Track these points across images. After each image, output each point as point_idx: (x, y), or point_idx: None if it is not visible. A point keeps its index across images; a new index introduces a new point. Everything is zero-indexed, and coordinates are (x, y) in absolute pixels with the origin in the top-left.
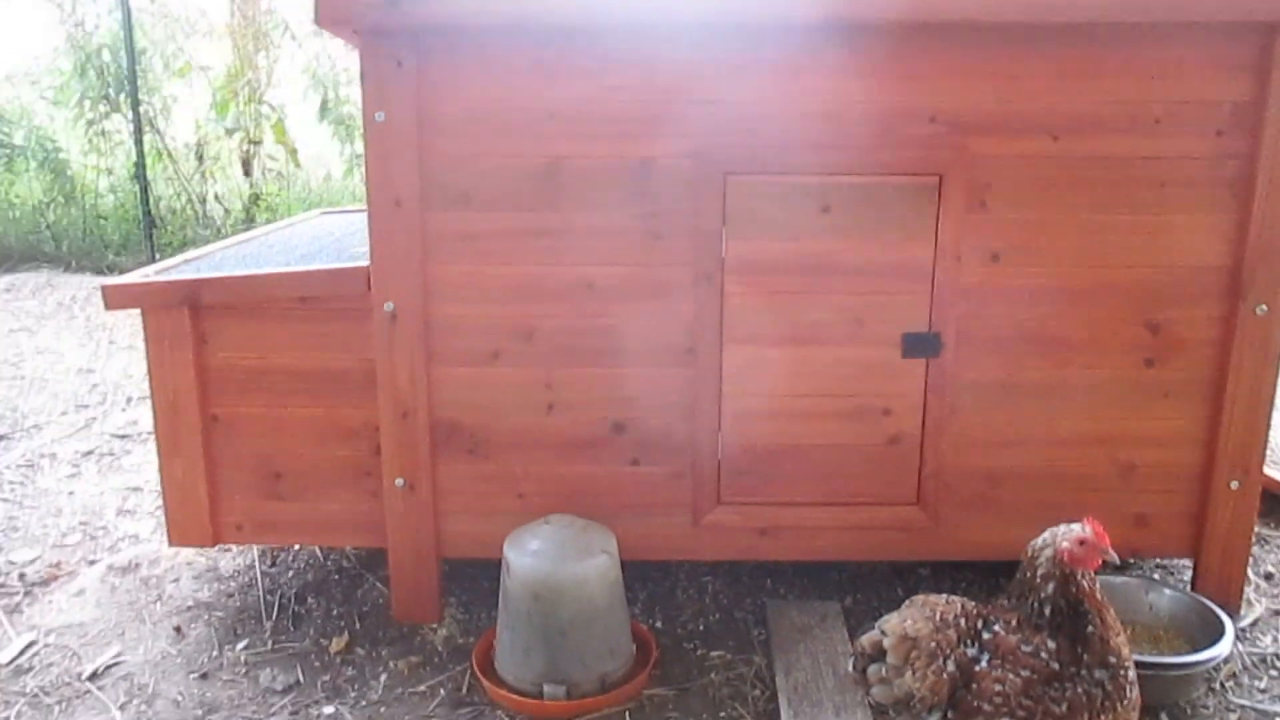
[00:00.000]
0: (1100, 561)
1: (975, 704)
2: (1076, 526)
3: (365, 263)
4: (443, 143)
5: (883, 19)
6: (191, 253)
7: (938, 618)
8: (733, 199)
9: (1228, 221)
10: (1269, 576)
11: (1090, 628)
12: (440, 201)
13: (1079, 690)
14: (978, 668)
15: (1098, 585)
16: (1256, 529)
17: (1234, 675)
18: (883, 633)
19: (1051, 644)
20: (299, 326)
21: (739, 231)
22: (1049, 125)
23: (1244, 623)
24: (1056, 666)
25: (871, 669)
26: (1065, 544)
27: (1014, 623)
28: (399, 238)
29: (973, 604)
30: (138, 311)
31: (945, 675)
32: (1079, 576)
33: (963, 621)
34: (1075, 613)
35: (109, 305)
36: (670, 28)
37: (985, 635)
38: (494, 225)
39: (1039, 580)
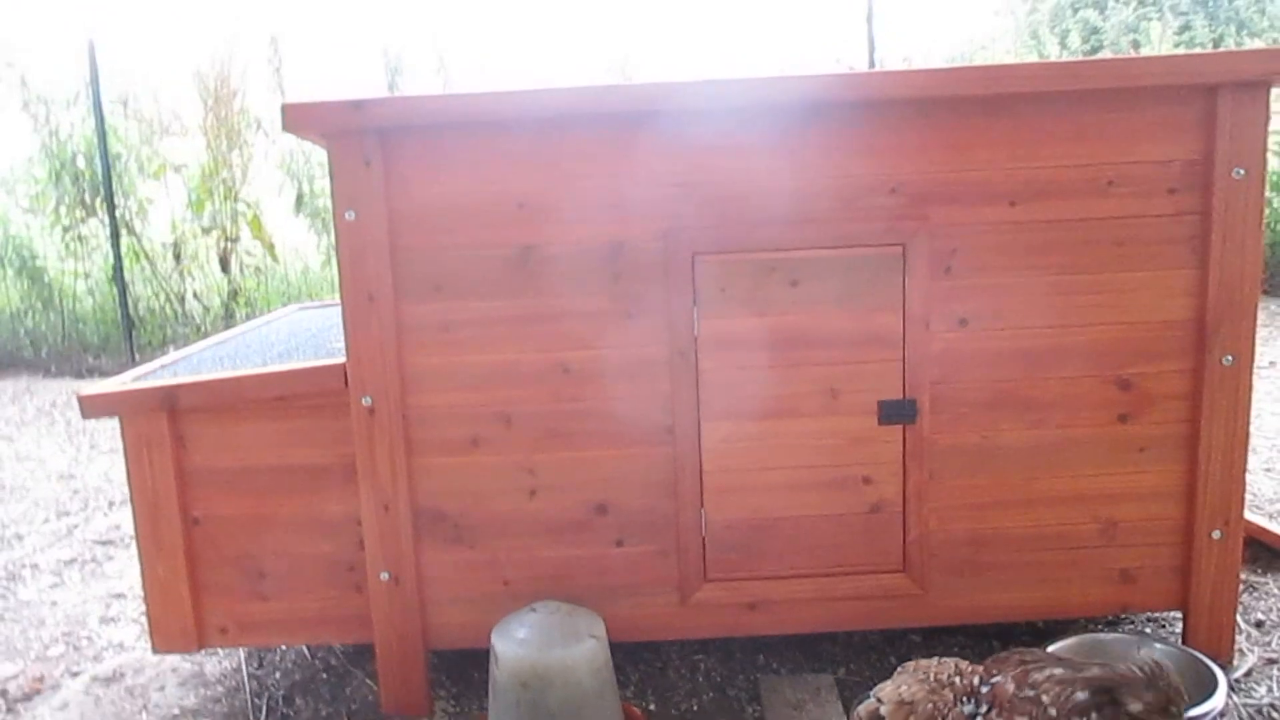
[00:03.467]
0: None
1: None
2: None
3: (342, 358)
4: (413, 236)
5: (841, 99)
6: (168, 356)
7: (932, 679)
8: (702, 278)
9: (1188, 277)
10: (1259, 624)
11: None
12: (413, 294)
13: None
14: None
15: None
16: (1246, 577)
17: None
18: (879, 700)
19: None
20: (278, 425)
21: (711, 309)
22: (1006, 192)
23: (1238, 673)
24: (1054, 713)
25: None
26: None
27: (1023, 677)
28: (374, 331)
29: (967, 663)
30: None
31: None
32: None
33: (958, 680)
34: None
35: (86, 414)
36: (630, 116)
37: (984, 689)
38: (468, 314)
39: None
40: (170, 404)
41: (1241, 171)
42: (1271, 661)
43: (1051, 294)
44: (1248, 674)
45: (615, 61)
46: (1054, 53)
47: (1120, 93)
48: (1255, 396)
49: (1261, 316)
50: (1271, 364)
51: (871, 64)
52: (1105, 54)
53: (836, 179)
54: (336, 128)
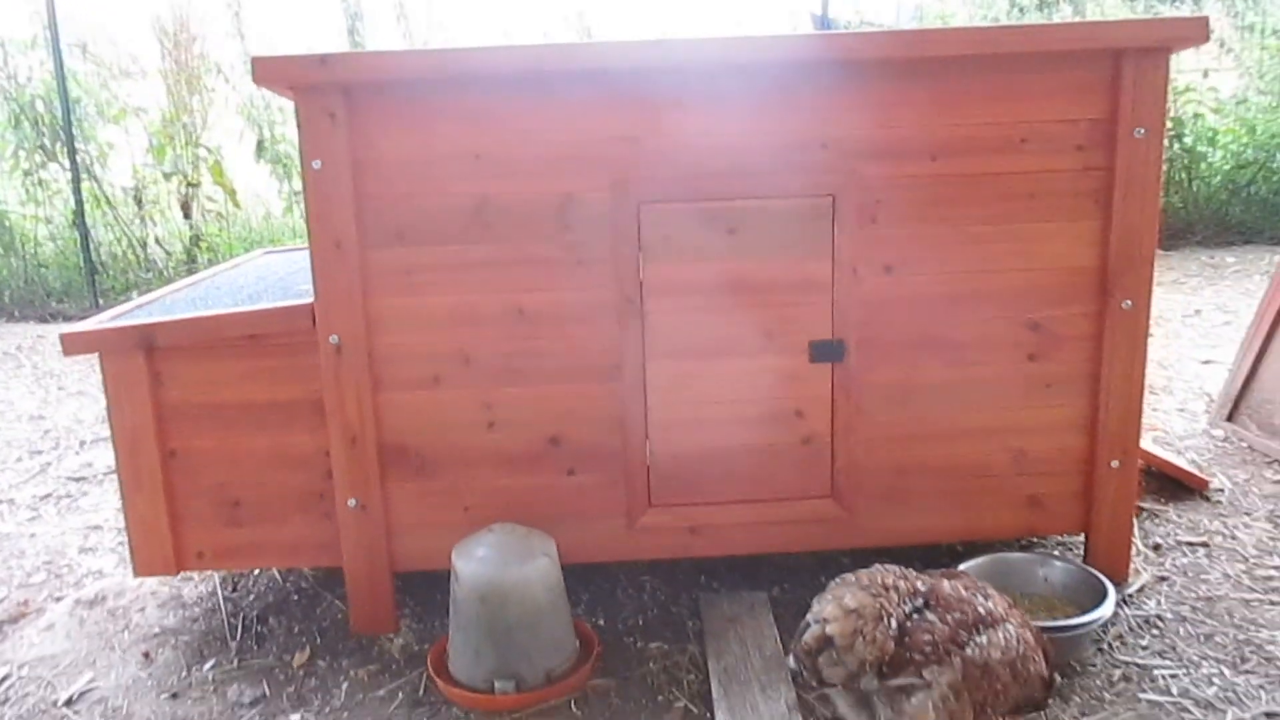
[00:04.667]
0: None
1: (907, 655)
2: None
3: (310, 300)
4: (376, 186)
5: (774, 59)
6: (142, 298)
7: (877, 583)
8: (647, 226)
9: (1092, 228)
10: (1156, 548)
11: None
12: (377, 240)
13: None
14: (910, 622)
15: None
16: (1149, 505)
17: (1120, 636)
18: (823, 621)
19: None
20: (250, 362)
21: (655, 256)
22: (928, 148)
23: (1131, 589)
24: (983, 611)
25: (822, 659)
26: None
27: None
28: (340, 275)
29: (909, 569)
30: (87, 358)
31: (891, 634)
32: None
33: (901, 584)
34: None
35: (67, 352)
36: (582, 74)
37: (922, 587)
38: (429, 259)
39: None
40: (148, 342)
41: (1142, 131)
42: (1163, 579)
43: (968, 243)
44: (1140, 590)
45: (571, 16)
46: (1004, 17)
47: (1033, 56)
48: (1180, 344)
49: (1192, 267)
50: (1197, 313)
51: (824, 24)
52: (1055, 19)
53: (772, 134)
54: (304, 82)
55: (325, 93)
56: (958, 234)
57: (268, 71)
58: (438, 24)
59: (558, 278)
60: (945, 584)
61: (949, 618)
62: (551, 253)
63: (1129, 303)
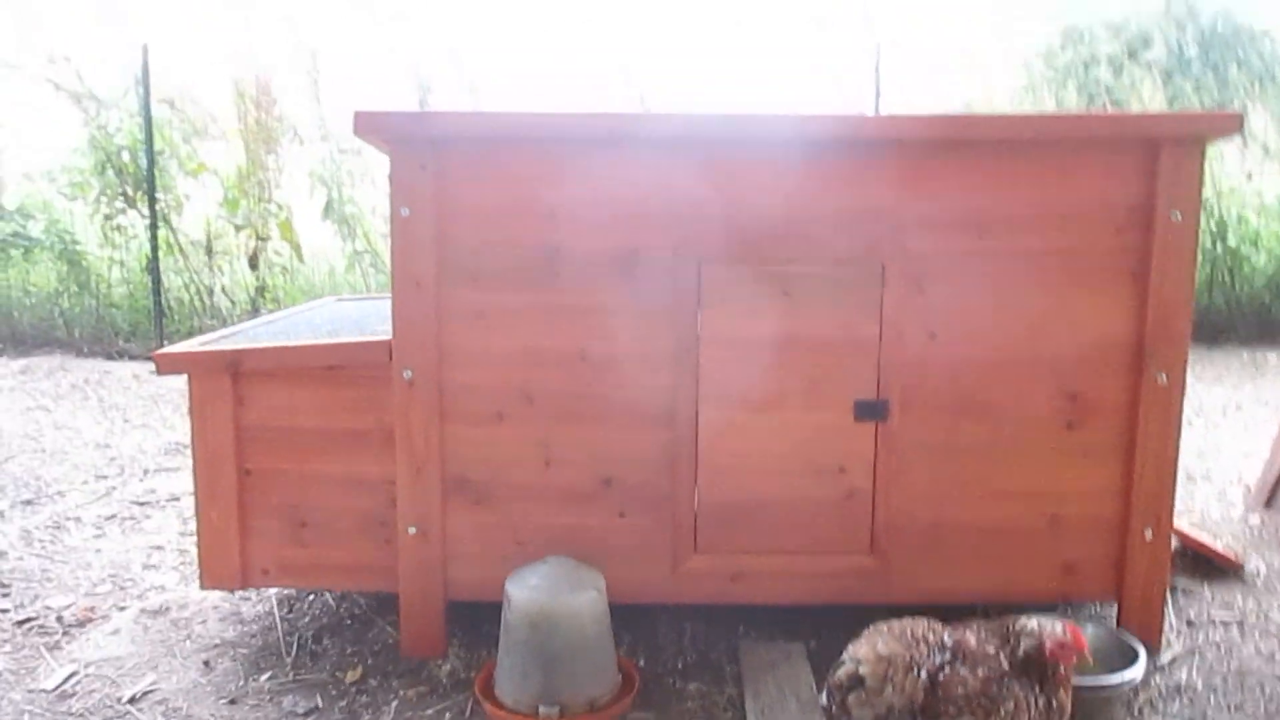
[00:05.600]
0: (1073, 660)
1: (941, 705)
2: (1060, 628)
3: (386, 337)
4: (457, 232)
5: (832, 136)
6: (227, 329)
7: (908, 635)
8: (707, 283)
9: (1129, 303)
10: (1190, 623)
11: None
12: (454, 282)
13: (1021, 693)
14: (943, 674)
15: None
16: (1186, 584)
17: (1150, 701)
18: (856, 661)
19: (1005, 660)
20: (327, 391)
21: (712, 311)
22: (974, 223)
23: (1163, 659)
24: (1007, 667)
25: (852, 697)
26: (1049, 641)
27: (981, 633)
28: (418, 313)
29: (936, 621)
30: (148, 394)
31: (920, 684)
32: (1053, 669)
33: (930, 636)
34: (1041, 676)
35: (160, 370)
36: (652, 142)
37: (949, 640)
38: (500, 303)
39: (1020, 651)
40: (235, 367)
41: (1179, 215)
42: (1194, 652)
43: (1010, 313)
44: (1172, 661)
45: (628, 73)
46: (1049, 107)
47: (1076, 142)
48: (1219, 435)
49: (1234, 364)
50: (1239, 407)
51: (876, 109)
52: (1094, 110)
53: (828, 204)
54: (399, 135)
55: (418, 145)
56: (1000, 304)
57: (368, 124)
58: (504, 94)
59: (619, 326)
60: (970, 638)
61: (978, 671)
62: (615, 302)
63: (1164, 376)
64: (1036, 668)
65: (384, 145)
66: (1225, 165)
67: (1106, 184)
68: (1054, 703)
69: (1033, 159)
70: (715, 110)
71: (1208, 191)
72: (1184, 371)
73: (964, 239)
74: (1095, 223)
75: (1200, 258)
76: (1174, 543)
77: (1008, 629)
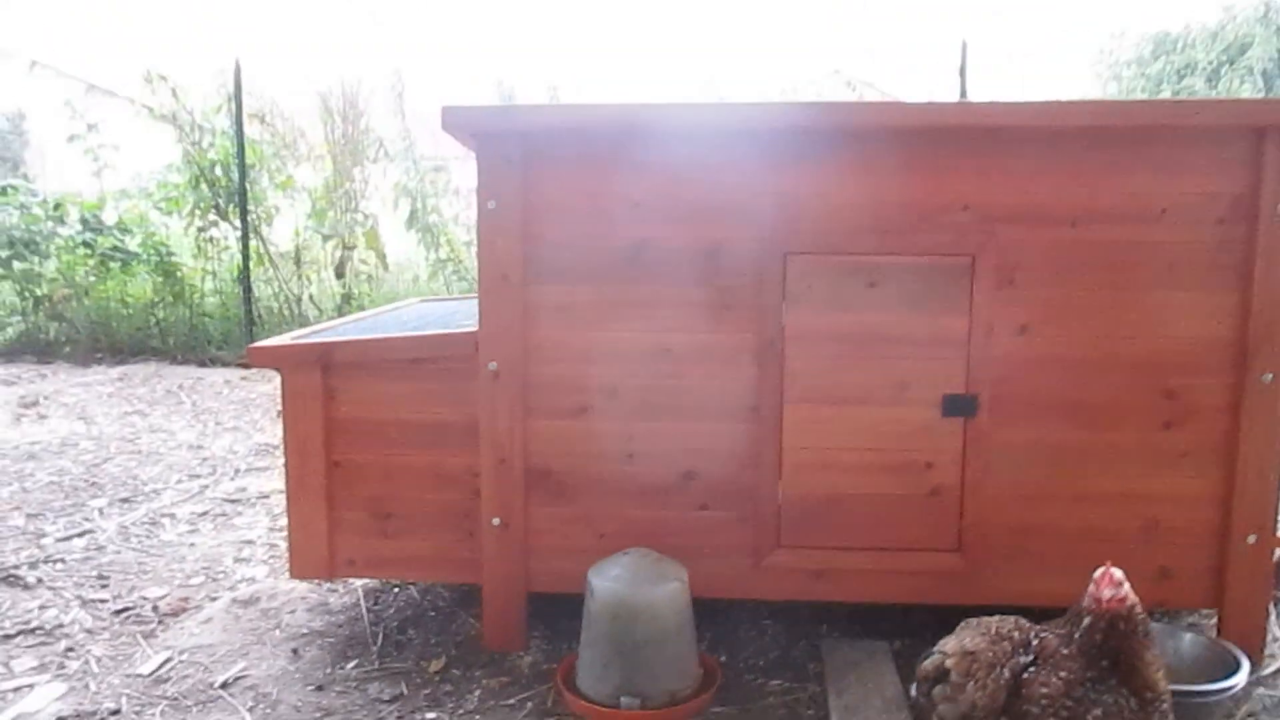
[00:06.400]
0: (1123, 603)
1: (1024, 707)
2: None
3: (472, 330)
4: (543, 227)
5: (921, 124)
6: (317, 325)
7: (992, 632)
8: (792, 276)
9: (1232, 299)
10: None
11: (1128, 662)
12: (540, 276)
13: (1109, 699)
14: (1026, 674)
15: (1142, 627)
16: None
17: (1252, 714)
18: (943, 654)
19: (1084, 660)
20: (414, 384)
21: (797, 304)
22: (1068, 214)
23: (1266, 671)
24: (1091, 674)
25: (937, 690)
26: (1090, 601)
27: (1061, 633)
28: (504, 307)
29: (1024, 620)
30: (239, 399)
31: (1002, 682)
32: (1120, 622)
33: (1015, 634)
34: (1117, 649)
35: (254, 363)
36: (737, 132)
37: (1034, 642)
38: (586, 296)
39: (1086, 625)
40: (325, 360)
41: None
42: None
43: (1105, 308)
44: (1275, 673)
45: (710, 75)
46: None
47: (1175, 131)
48: None
49: None
50: None
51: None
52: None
53: (915, 194)
54: (486, 129)
55: (504, 140)
56: (1094, 299)
57: (455, 119)
58: (581, 91)
59: (704, 320)
60: (1052, 639)
61: (1058, 675)
62: (700, 296)
63: (1269, 376)
64: (1104, 641)
65: (470, 140)
66: None
67: (1208, 174)
68: (1147, 695)
69: (1128, 148)
70: (796, 100)
71: None
72: None
73: (1056, 230)
74: (1195, 215)
75: None
76: (1276, 553)
77: (1071, 622)
